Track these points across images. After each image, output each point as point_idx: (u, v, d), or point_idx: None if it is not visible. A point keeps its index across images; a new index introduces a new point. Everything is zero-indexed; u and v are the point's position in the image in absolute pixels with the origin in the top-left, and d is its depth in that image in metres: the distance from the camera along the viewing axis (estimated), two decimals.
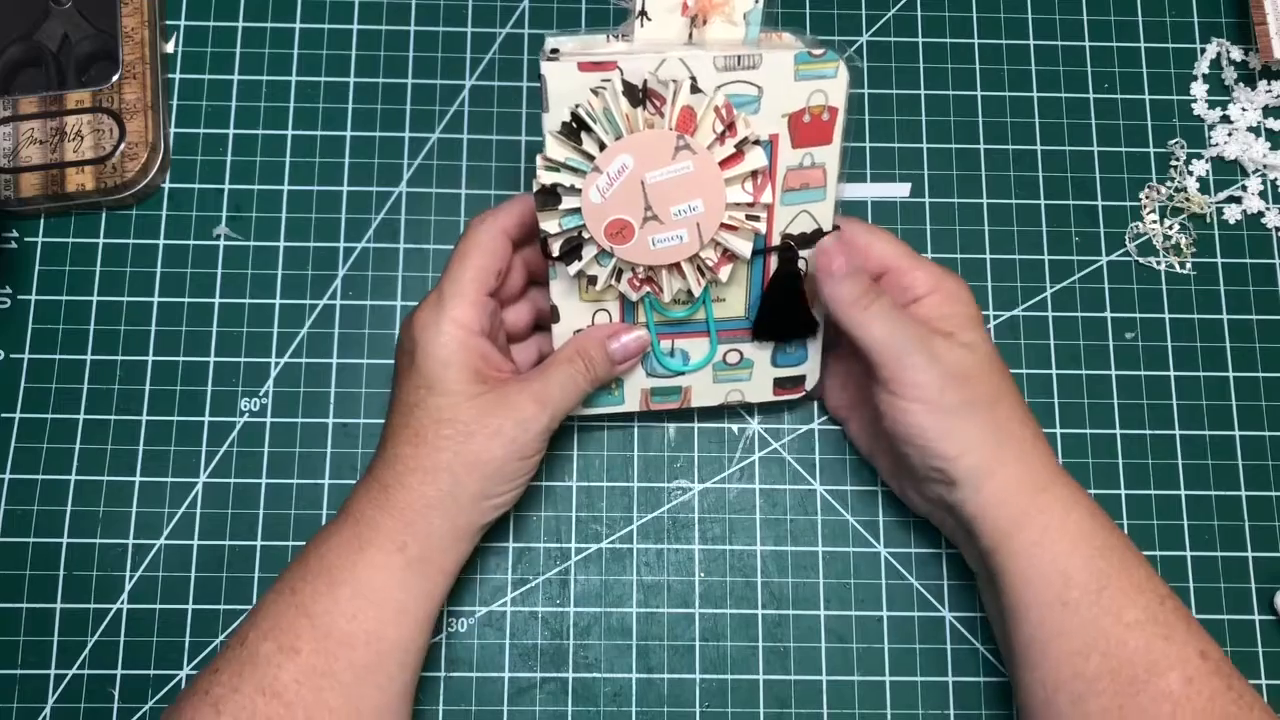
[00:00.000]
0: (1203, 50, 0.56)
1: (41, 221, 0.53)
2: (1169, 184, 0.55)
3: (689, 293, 0.44)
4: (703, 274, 0.44)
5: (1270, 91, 0.56)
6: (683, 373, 0.48)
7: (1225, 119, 0.56)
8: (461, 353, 0.42)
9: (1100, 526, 0.43)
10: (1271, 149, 0.55)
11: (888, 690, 0.49)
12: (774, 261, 0.45)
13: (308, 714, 0.39)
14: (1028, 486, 0.43)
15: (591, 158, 0.40)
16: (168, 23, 0.55)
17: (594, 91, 0.40)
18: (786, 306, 0.46)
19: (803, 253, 0.45)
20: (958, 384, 0.42)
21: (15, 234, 0.53)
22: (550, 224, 0.41)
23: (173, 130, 0.54)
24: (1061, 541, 0.42)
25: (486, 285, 0.43)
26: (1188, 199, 0.55)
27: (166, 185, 0.54)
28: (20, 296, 0.52)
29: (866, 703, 0.49)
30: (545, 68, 0.40)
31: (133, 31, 0.53)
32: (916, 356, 0.42)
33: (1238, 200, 0.55)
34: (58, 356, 0.52)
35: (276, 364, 0.52)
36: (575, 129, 0.40)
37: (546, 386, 0.44)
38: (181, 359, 0.52)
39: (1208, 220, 0.55)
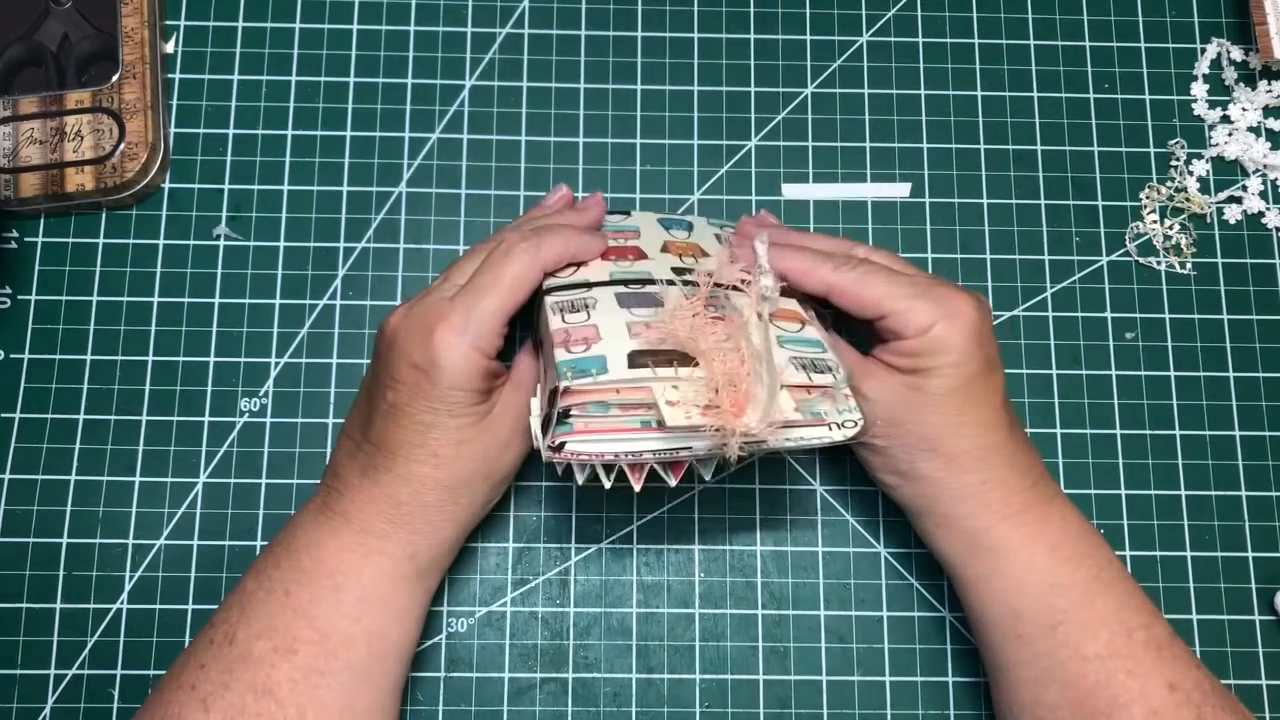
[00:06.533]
0: (1203, 50, 0.56)
1: (41, 221, 0.53)
2: (1169, 184, 0.55)
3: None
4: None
5: (1270, 91, 0.56)
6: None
7: (1225, 119, 0.56)
8: (480, 378, 0.42)
9: (1060, 562, 0.42)
10: (1272, 149, 0.55)
11: (888, 690, 0.49)
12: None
13: (300, 712, 0.39)
14: (975, 523, 0.43)
15: None
16: (168, 23, 0.55)
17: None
18: None
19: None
20: (886, 427, 0.44)
21: (15, 234, 0.53)
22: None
23: (173, 130, 0.54)
24: (1005, 580, 0.43)
25: (510, 314, 0.43)
26: (1188, 199, 0.55)
27: (166, 185, 0.54)
28: (20, 296, 0.52)
29: (866, 703, 0.49)
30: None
31: (133, 31, 0.53)
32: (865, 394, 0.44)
33: (1238, 200, 0.55)
34: (58, 356, 0.52)
35: (276, 364, 0.52)
36: None
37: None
38: (181, 359, 0.52)
39: (1208, 220, 0.55)
